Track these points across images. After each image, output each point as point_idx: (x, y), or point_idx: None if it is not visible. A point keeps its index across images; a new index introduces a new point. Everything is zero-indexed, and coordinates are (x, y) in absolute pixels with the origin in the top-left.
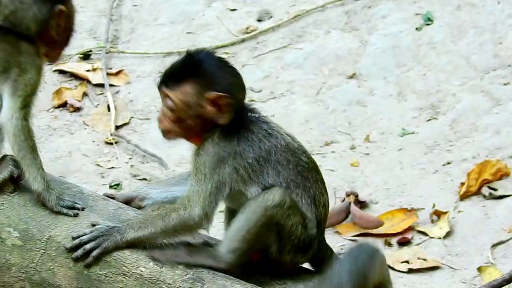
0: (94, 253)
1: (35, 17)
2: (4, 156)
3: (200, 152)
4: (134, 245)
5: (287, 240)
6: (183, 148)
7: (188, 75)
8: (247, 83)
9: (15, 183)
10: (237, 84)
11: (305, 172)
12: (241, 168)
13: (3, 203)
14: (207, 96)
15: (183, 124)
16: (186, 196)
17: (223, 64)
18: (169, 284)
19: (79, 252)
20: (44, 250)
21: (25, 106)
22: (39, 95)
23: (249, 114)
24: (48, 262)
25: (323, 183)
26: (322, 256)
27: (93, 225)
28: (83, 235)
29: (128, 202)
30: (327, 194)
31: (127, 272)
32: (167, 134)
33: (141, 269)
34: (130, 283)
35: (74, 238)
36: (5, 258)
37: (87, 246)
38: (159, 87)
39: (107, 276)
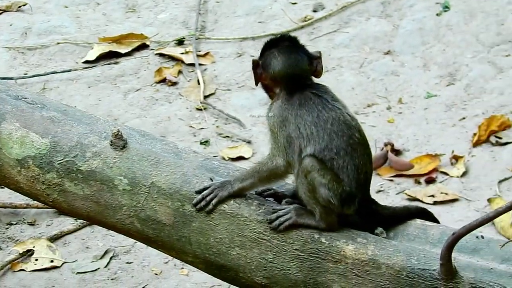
0: (214, 201)
1: None
2: None
3: (269, 114)
4: (240, 193)
5: (333, 193)
6: (257, 112)
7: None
8: None
9: None
10: (272, 57)
11: (356, 145)
12: (301, 127)
13: (115, 157)
14: (257, 63)
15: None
16: (269, 151)
17: (282, 49)
18: (246, 217)
19: (202, 203)
20: (148, 193)
21: None
22: (143, 73)
23: (315, 90)
24: (151, 202)
25: (370, 156)
26: (367, 211)
27: (211, 179)
28: (203, 189)
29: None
30: (371, 166)
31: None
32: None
33: (224, 206)
34: (216, 216)
35: (197, 192)
36: (117, 200)
37: (208, 198)
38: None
39: (197, 212)
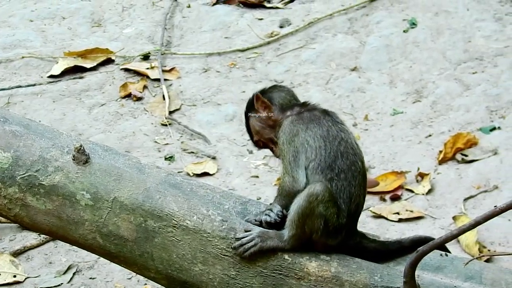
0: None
1: None
2: None
3: (280, 133)
4: None
5: (324, 225)
6: (222, 128)
7: (246, 122)
8: (272, 76)
9: None
10: (273, 91)
11: (356, 173)
12: (311, 139)
13: (78, 172)
14: (256, 107)
15: (275, 140)
16: (281, 172)
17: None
18: (208, 233)
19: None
20: (110, 208)
21: None
22: (108, 88)
23: (323, 109)
24: (113, 218)
25: (365, 189)
26: (351, 242)
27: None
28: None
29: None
30: (364, 198)
31: (176, 224)
32: (259, 146)
33: (187, 222)
34: (178, 232)
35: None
36: (80, 215)
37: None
38: (255, 146)
39: (160, 228)
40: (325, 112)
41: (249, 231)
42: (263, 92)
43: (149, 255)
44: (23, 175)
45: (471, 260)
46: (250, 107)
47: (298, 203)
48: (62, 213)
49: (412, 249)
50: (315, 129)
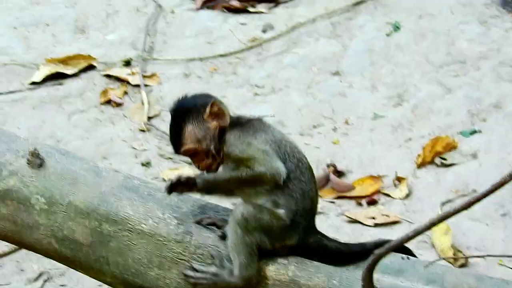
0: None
1: None
2: None
3: (227, 147)
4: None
5: (269, 234)
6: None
7: (182, 125)
8: (253, 81)
9: None
10: (211, 96)
11: (304, 169)
12: (263, 146)
13: (32, 176)
14: (205, 117)
15: (211, 152)
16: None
17: (191, 96)
18: (164, 236)
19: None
20: (65, 212)
21: None
22: (89, 94)
23: (257, 121)
24: (68, 222)
25: (315, 183)
26: (311, 240)
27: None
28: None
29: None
30: (317, 192)
31: (131, 228)
32: (210, 170)
33: (142, 226)
34: (134, 236)
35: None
36: (34, 219)
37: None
38: (179, 153)
39: (115, 232)
40: (261, 119)
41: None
42: (203, 98)
43: (104, 260)
44: None
45: (431, 263)
46: (193, 112)
47: (229, 230)
48: (17, 218)
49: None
50: (263, 135)
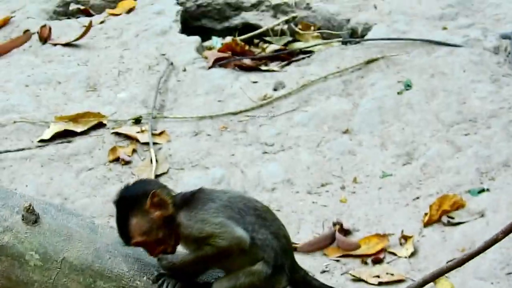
0: None
1: None
2: None
3: (182, 233)
4: None
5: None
6: None
7: (126, 219)
8: (263, 139)
9: None
10: (151, 184)
11: (263, 214)
12: (219, 218)
13: (27, 232)
14: (146, 208)
15: (163, 239)
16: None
17: (132, 185)
18: None
19: None
20: (59, 268)
21: None
22: (98, 152)
23: (199, 192)
24: (62, 278)
25: (279, 220)
26: (297, 276)
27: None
28: None
29: None
30: (285, 228)
31: (125, 285)
32: (166, 253)
33: (136, 283)
34: None
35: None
36: (29, 276)
37: None
38: (130, 246)
39: None
40: (202, 189)
41: None
42: (144, 187)
43: None
44: None
45: None
46: (135, 205)
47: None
48: (12, 274)
49: None
50: (212, 206)
